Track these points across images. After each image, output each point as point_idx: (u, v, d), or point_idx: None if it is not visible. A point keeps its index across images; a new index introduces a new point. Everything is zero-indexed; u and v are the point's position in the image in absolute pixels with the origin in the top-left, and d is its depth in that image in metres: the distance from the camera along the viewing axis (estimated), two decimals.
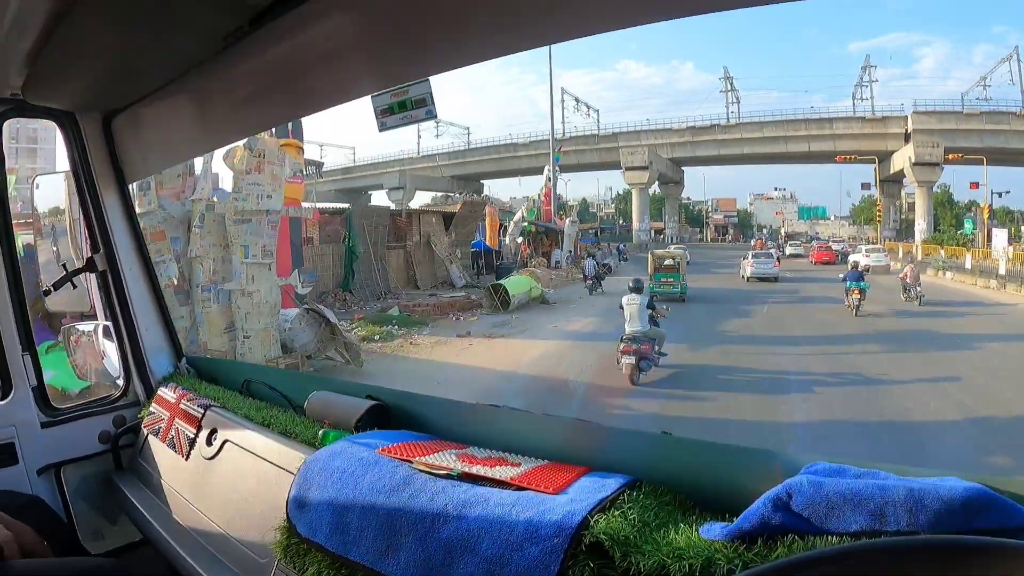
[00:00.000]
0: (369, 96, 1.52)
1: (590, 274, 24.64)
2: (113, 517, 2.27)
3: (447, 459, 1.32)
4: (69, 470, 2.20)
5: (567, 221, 37.74)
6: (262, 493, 1.59)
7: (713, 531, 0.96)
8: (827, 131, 57.60)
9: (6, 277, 2.07)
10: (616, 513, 1.04)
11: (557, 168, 41.04)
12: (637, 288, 11.26)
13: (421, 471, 1.28)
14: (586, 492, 1.13)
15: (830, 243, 52.49)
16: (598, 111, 61.94)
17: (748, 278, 28.10)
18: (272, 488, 1.55)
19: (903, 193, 62.25)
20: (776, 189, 77.12)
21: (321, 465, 1.38)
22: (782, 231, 64.27)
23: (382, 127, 1.53)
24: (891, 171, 55.74)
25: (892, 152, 54.85)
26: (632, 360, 10.32)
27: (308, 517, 1.33)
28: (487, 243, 30.58)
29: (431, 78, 1.47)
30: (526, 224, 34.75)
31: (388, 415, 1.67)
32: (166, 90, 1.92)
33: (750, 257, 29.82)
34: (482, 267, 30.77)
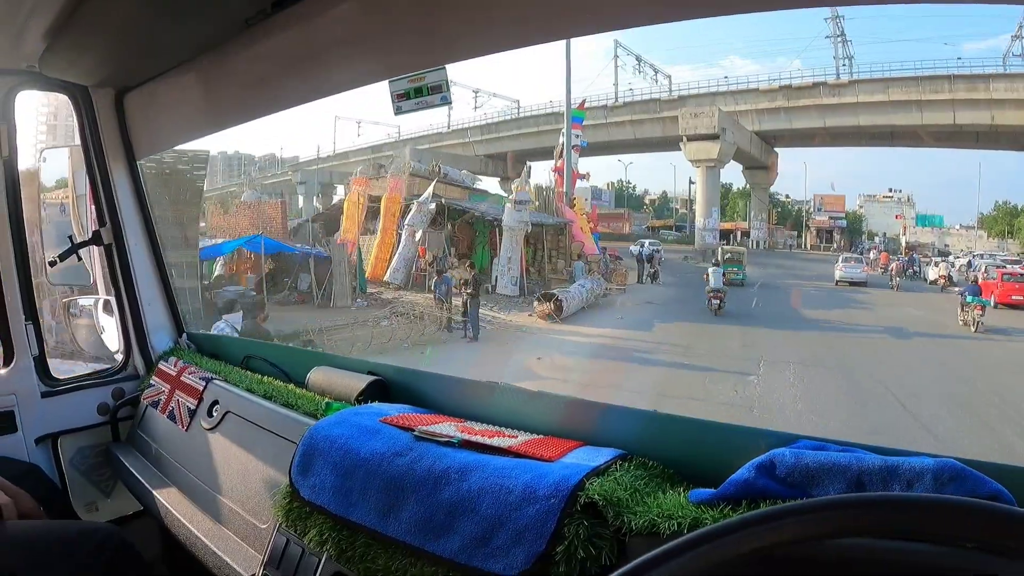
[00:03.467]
0: (386, 80, 1.57)
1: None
2: (108, 489, 2.30)
3: (447, 429, 1.37)
4: (67, 440, 2.23)
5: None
6: (264, 461, 1.63)
7: (700, 495, 1.03)
8: (981, 93, 35.01)
9: (12, 247, 2.10)
10: (609, 478, 1.10)
11: (579, 134, 30.19)
12: (715, 264, 21.51)
13: (422, 439, 1.33)
14: (580, 460, 1.20)
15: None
16: (669, 77, 43.66)
17: (837, 281, 27.69)
18: (274, 456, 1.59)
19: None
20: (891, 190, 60.00)
21: (324, 432, 1.43)
22: (902, 240, 49.55)
23: (398, 111, 1.58)
24: None
25: None
26: (716, 302, 18.36)
27: (311, 481, 1.37)
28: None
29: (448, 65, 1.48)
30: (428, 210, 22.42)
31: (388, 390, 1.72)
32: (181, 68, 1.96)
33: (840, 261, 30.14)
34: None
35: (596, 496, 1.05)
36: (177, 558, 2.02)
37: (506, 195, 26.55)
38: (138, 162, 2.30)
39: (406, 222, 21.68)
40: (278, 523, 1.44)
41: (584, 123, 38.61)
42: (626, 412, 1.39)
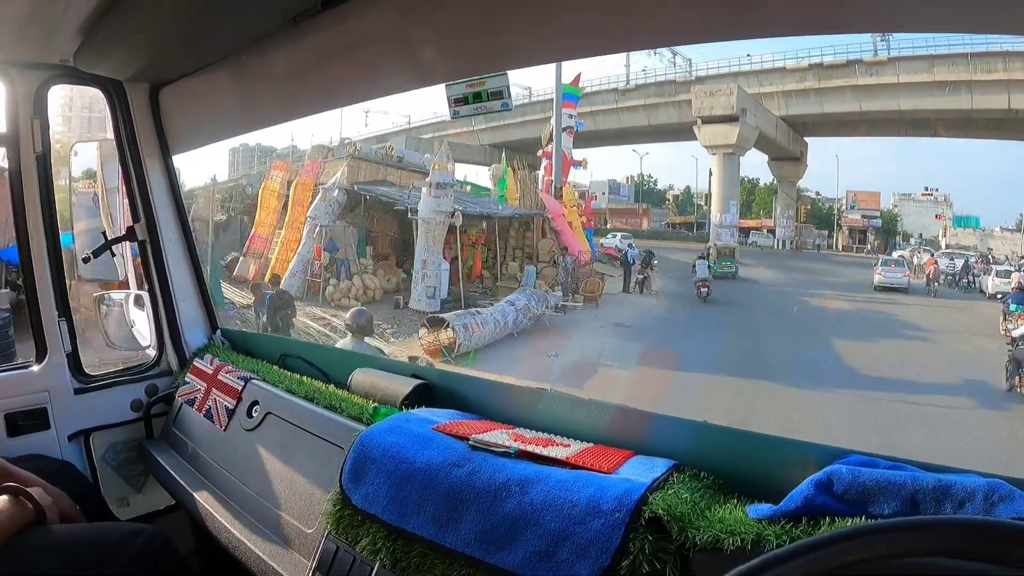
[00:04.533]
0: (443, 84, 1.55)
1: None
2: (140, 485, 2.30)
3: (501, 438, 1.36)
4: (99, 437, 2.23)
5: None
6: (309, 466, 1.62)
7: (761, 511, 1.03)
8: None
9: (45, 244, 2.09)
10: (670, 492, 1.10)
11: (572, 114, 25.55)
12: (703, 257, 22.43)
13: (477, 448, 1.32)
14: (638, 472, 1.20)
15: None
16: (689, 60, 37.40)
17: (876, 286, 25.03)
18: (320, 461, 1.58)
19: None
20: (927, 189, 52.71)
21: (377, 439, 1.41)
22: (942, 242, 44.37)
23: (455, 115, 1.57)
24: None
25: None
26: (705, 290, 19.78)
27: (364, 489, 1.36)
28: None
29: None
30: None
31: (432, 394, 1.71)
32: (220, 65, 1.94)
33: (880, 264, 26.67)
34: None
35: (660, 511, 1.05)
36: (210, 555, 2.03)
37: (489, 187, 23.83)
38: (172, 158, 2.28)
39: (307, 214, 17.74)
40: (327, 530, 1.42)
41: (594, 108, 35.23)
42: (677, 422, 1.38)
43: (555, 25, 1.32)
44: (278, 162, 19.94)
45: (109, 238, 2.23)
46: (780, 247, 39.07)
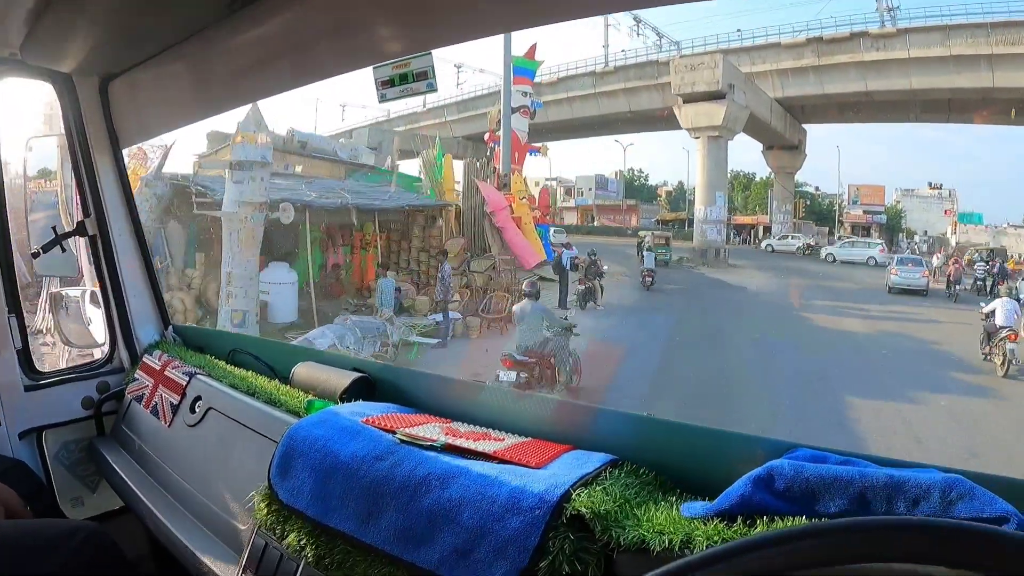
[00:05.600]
0: (371, 66, 1.51)
1: None
2: (93, 484, 2.26)
3: (431, 431, 1.33)
4: (51, 435, 2.19)
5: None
6: (245, 461, 1.58)
7: (693, 509, 0.98)
8: None
9: None
10: (598, 488, 1.05)
11: (528, 91, 22.37)
12: (649, 249, 22.72)
13: (404, 442, 1.28)
14: (568, 467, 1.15)
15: None
16: (677, 44, 34.43)
17: (891, 288, 22.77)
18: (255, 456, 1.54)
19: None
20: (931, 185, 49.99)
21: (304, 433, 1.38)
22: (952, 239, 40.70)
23: (382, 98, 1.54)
24: None
25: None
26: (649, 279, 20.48)
27: (290, 484, 1.33)
28: None
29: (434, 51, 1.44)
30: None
31: (374, 388, 1.68)
32: (166, 55, 1.90)
33: (895, 263, 23.95)
34: None
35: (583, 509, 1.01)
36: (161, 556, 1.99)
37: (418, 176, 20.67)
38: (122, 151, 2.25)
39: None
40: (257, 526, 1.39)
41: (570, 94, 32.16)
42: (618, 416, 1.34)
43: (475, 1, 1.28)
44: (138, 151, 15.17)
45: (59, 233, 2.19)
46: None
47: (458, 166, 21.33)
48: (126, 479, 1.94)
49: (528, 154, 24.45)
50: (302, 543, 1.27)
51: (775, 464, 0.95)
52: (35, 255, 2.17)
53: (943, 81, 28.06)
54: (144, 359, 2.20)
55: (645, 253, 22.84)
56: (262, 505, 1.37)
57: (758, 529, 0.90)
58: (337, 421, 1.39)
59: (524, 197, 21.57)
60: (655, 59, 33.29)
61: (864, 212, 44.68)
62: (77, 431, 2.23)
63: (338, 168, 21.67)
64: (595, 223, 41.52)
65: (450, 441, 1.27)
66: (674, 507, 1.01)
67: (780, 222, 38.66)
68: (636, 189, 51.81)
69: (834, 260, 29.81)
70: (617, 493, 1.04)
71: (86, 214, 2.22)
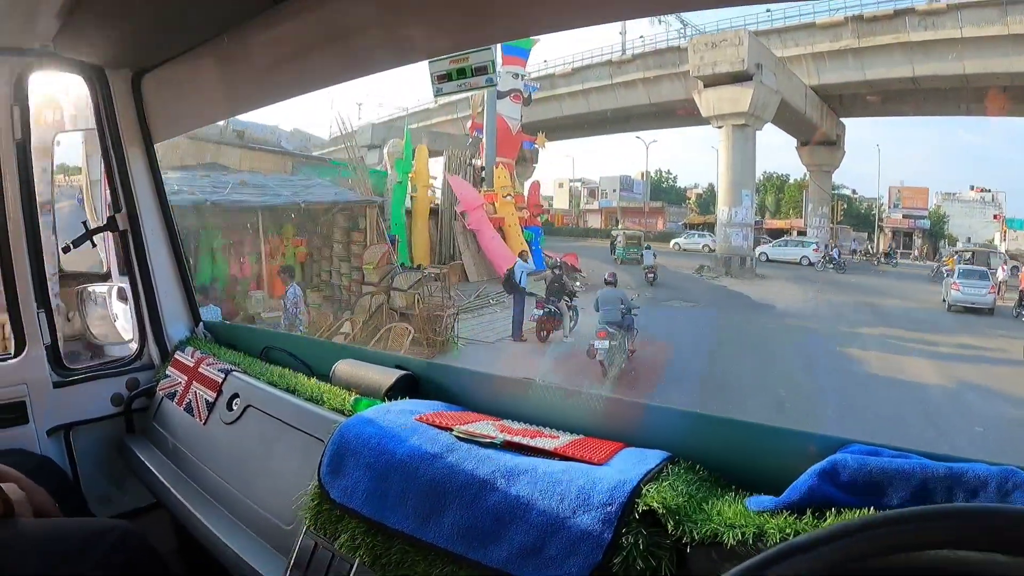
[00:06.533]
0: (426, 60, 1.49)
1: None
2: (121, 482, 2.24)
3: (486, 428, 1.31)
4: (79, 432, 2.17)
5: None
6: (288, 459, 1.56)
7: (762, 503, 0.97)
8: None
9: (25, 233, 2.04)
10: (664, 484, 1.04)
11: (521, 73, 19.80)
12: (648, 247, 21.76)
13: (462, 439, 1.27)
14: (630, 464, 1.13)
15: None
16: (702, 30, 28.40)
17: (951, 305, 18.92)
18: (299, 454, 1.52)
19: None
20: (973, 188, 45.04)
21: (356, 431, 1.35)
22: (1002, 248, 34.98)
23: (438, 92, 1.52)
24: None
25: None
26: (652, 276, 19.11)
27: (342, 483, 1.30)
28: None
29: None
30: None
31: (417, 385, 1.66)
32: (201, 49, 1.89)
33: (957, 276, 19.67)
34: None
35: (655, 503, 0.99)
36: (192, 554, 1.97)
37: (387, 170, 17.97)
38: (155, 146, 2.23)
39: None
40: (305, 526, 1.37)
41: (585, 85, 28.44)
42: (670, 412, 1.32)
43: None
44: None
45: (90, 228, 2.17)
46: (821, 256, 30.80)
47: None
48: (160, 477, 1.92)
49: (522, 146, 21.16)
50: (356, 543, 1.25)
51: (838, 457, 0.95)
52: (65, 249, 2.16)
53: (1000, 64, 23.22)
54: (176, 356, 2.18)
55: (645, 252, 22.50)
56: (312, 504, 1.34)
57: (828, 521, 0.89)
58: (390, 418, 1.37)
59: (509, 195, 18.82)
60: (675, 45, 28.47)
61: (905, 216, 40.17)
62: (106, 428, 2.21)
63: (283, 161, 18.21)
64: (619, 226, 38.04)
65: (508, 438, 1.25)
66: (738, 502, 1.00)
67: (816, 226, 34.06)
68: (664, 191, 49.53)
69: (767, 259, 28.06)
70: (683, 489, 1.03)
71: (117, 209, 2.20)
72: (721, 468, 1.14)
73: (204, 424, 1.89)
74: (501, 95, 19.68)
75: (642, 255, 22.67)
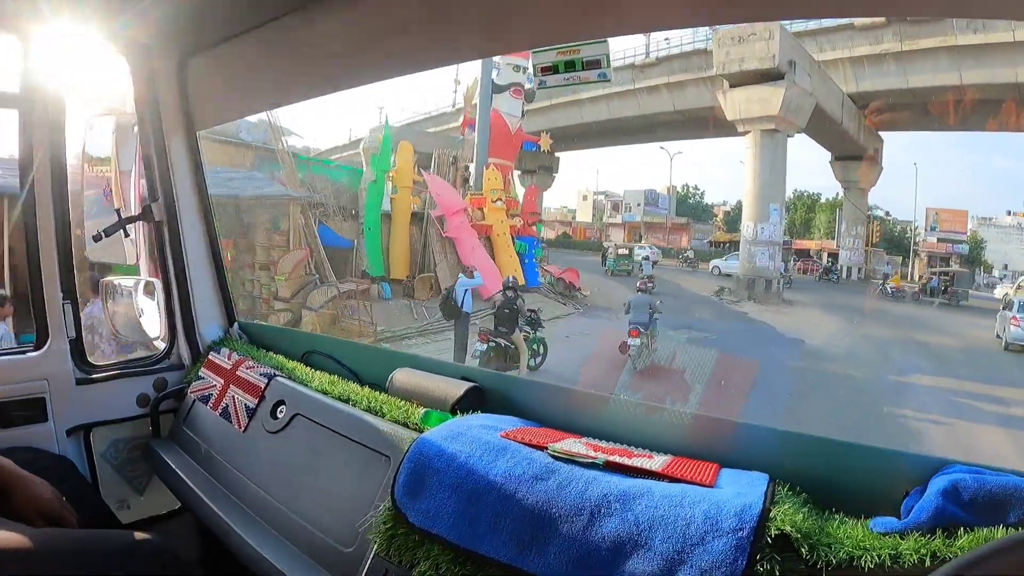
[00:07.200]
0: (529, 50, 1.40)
1: None
2: (141, 486, 2.12)
3: (578, 447, 1.21)
4: (100, 433, 2.05)
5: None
6: (346, 475, 1.45)
7: (887, 525, 0.94)
8: None
9: (54, 220, 1.92)
10: (787, 507, 0.98)
11: (521, 65, 17.66)
12: (647, 258, 22.79)
13: (559, 458, 1.16)
14: (741, 486, 1.06)
15: None
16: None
17: (1009, 344, 15.62)
18: (359, 470, 1.41)
19: None
20: (1010, 214, 42.28)
21: (437, 448, 1.24)
22: None
23: (541, 85, 1.42)
24: None
25: None
26: (651, 285, 15.68)
27: (423, 505, 1.19)
28: None
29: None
30: None
31: (484, 398, 1.54)
32: (251, 35, 1.80)
33: (1015, 310, 16.30)
34: None
35: (788, 528, 0.93)
36: (219, 565, 1.84)
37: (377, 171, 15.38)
38: (197, 134, 2.12)
39: None
40: (374, 550, 1.24)
41: (607, 90, 25.74)
42: (762, 431, 1.25)
43: None
44: None
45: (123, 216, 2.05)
46: (844, 276, 28.91)
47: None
48: (191, 484, 1.79)
49: (523, 147, 19.01)
50: (440, 572, 1.13)
51: (957, 477, 0.94)
52: (96, 238, 2.04)
53: None
54: (210, 357, 2.06)
55: (643, 262, 23.70)
56: (384, 527, 1.22)
57: (960, 542, 0.87)
58: (473, 435, 1.26)
59: (499, 199, 16.49)
60: (702, 47, 25.33)
61: (940, 240, 36.00)
62: (129, 429, 2.09)
63: (243, 153, 16.12)
64: (642, 241, 36.77)
65: (608, 458, 1.15)
66: (857, 525, 0.96)
67: (850, 247, 30.65)
68: (690, 207, 47.33)
69: (719, 273, 26.89)
70: (806, 511, 0.98)
71: (153, 198, 2.09)
72: (819, 489, 1.09)
73: (244, 431, 1.77)
74: (500, 89, 17.43)
75: (641, 266, 23.48)
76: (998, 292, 23.72)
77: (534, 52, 1.43)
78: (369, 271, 14.74)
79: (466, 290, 12.00)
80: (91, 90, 2.30)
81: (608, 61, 1.35)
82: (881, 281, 26.55)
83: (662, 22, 1.20)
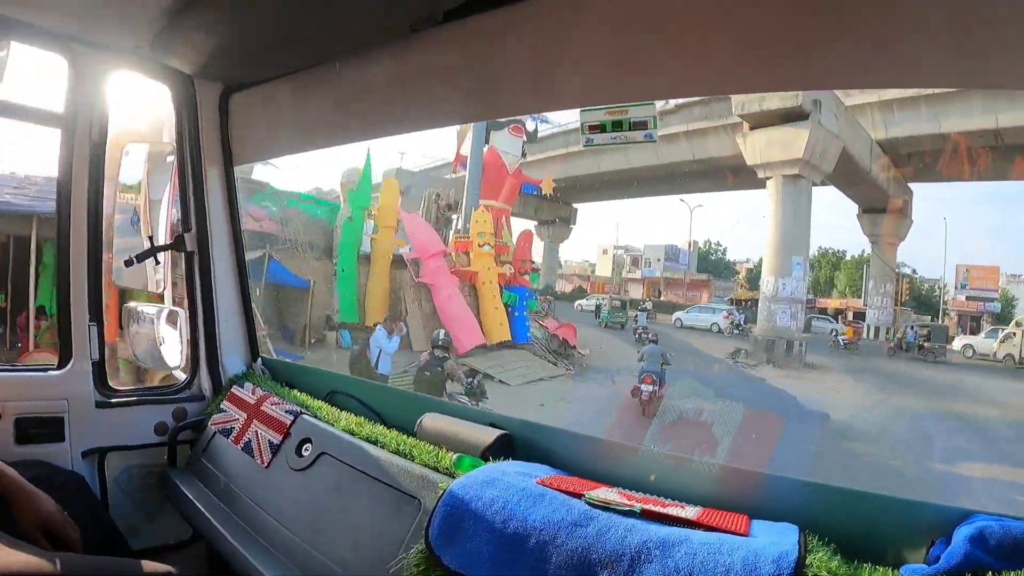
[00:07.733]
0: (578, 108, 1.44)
1: None
2: (153, 514, 2.10)
3: (610, 495, 1.22)
4: (115, 458, 2.04)
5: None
6: (375, 517, 1.44)
7: (919, 571, 0.96)
8: None
9: (87, 240, 1.94)
10: (821, 554, 1.00)
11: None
12: (644, 310, 22.98)
13: (596, 506, 1.17)
14: (774, 536, 1.07)
15: None
16: None
17: None
18: (388, 512, 1.41)
19: None
20: None
21: (473, 493, 1.25)
22: None
23: (588, 143, 1.46)
24: None
25: None
26: (648, 335, 16.83)
27: (459, 549, 1.19)
28: None
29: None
30: None
31: (512, 445, 1.55)
32: (309, 72, 1.83)
33: None
34: None
35: (824, 574, 0.96)
36: None
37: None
38: (234, 168, 2.15)
39: None
40: None
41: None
42: (790, 482, 1.26)
43: (710, 57, 1.22)
44: None
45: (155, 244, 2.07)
46: (871, 336, 26.43)
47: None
48: (209, 516, 1.78)
49: (522, 190, 17.69)
50: None
51: (983, 524, 0.96)
52: (128, 263, 2.05)
53: None
54: (233, 390, 2.06)
55: (639, 314, 24.68)
56: (417, 570, 1.22)
57: None
58: (508, 481, 1.27)
59: (487, 244, 14.88)
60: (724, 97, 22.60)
61: (968, 299, 32.90)
62: (145, 457, 2.08)
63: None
64: (661, 297, 36.70)
65: (645, 507, 1.16)
66: (891, 573, 0.98)
67: (878, 306, 28.22)
68: (712, 263, 45.92)
69: (681, 325, 26.67)
70: (837, 561, 1.00)
71: (186, 229, 2.11)
72: (847, 539, 1.09)
73: (267, 467, 1.76)
74: (498, 126, 15.80)
75: (636, 317, 24.29)
76: (956, 344, 22.41)
77: (582, 111, 1.47)
78: (339, 318, 13.52)
79: (379, 349, 10.58)
80: (130, 117, 2.34)
81: (655, 123, 1.40)
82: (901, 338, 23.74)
83: (701, 89, 1.25)
